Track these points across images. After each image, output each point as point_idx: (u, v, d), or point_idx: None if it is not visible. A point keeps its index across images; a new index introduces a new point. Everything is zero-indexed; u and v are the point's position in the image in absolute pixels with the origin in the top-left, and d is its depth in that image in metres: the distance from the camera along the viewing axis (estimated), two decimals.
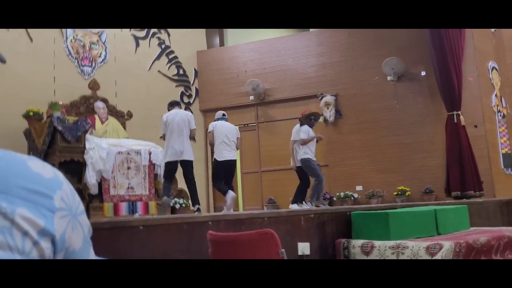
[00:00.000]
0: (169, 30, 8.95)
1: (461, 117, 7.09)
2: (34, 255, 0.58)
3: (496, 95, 7.92)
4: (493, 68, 8.00)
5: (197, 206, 5.29)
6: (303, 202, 6.11)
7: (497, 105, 7.89)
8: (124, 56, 8.27)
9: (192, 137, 5.43)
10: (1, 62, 0.80)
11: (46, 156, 5.94)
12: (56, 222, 0.61)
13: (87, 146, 5.99)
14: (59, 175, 0.65)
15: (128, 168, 6.27)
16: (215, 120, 6.04)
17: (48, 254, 0.59)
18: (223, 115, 6.02)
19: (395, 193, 7.56)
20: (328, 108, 8.21)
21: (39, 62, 7.19)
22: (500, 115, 7.91)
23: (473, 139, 7.14)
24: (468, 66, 7.45)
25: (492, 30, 8.19)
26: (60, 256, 0.62)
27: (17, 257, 0.56)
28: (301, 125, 6.23)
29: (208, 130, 5.83)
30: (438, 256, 2.78)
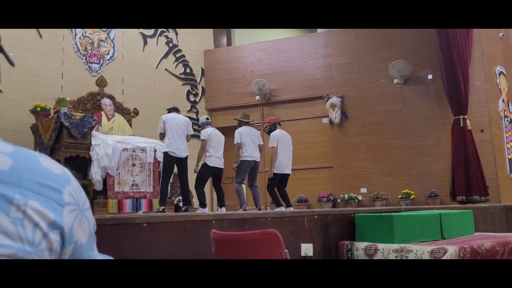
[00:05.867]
0: (177, 29, 8.97)
1: (468, 121, 7.05)
2: (43, 247, 0.59)
3: (503, 100, 7.86)
4: (500, 73, 7.94)
5: (186, 207, 5.53)
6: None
7: (504, 110, 7.83)
8: (132, 54, 8.31)
9: (188, 140, 5.94)
10: (10, 65, 0.83)
11: (52, 151, 5.98)
12: (65, 215, 0.62)
13: (93, 142, 6.02)
14: (67, 172, 0.68)
15: (133, 165, 6.29)
16: (201, 125, 6.45)
17: (56, 247, 0.61)
18: (207, 119, 6.34)
19: (400, 196, 7.53)
20: (334, 109, 8.20)
21: (47, 58, 7.24)
22: (507, 120, 7.85)
23: (479, 144, 7.09)
24: (475, 71, 7.41)
25: (500, 34, 8.14)
26: (69, 249, 0.64)
27: (27, 248, 0.57)
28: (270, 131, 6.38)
29: (202, 138, 6.03)
30: None
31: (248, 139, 6.10)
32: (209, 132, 5.97)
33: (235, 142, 6.09)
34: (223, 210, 5.74)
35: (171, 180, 6.08)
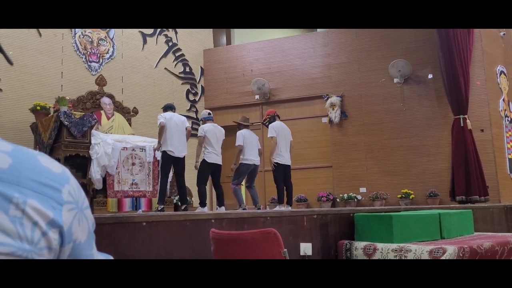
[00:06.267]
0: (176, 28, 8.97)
1: (468, 121, 7.05)
2: (42, 245, 0.59)
3: (503, 99, 7.86)
4: (501, 72, 7.94)
5: (185, 205, 5.53)
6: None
7: (505, 110, 7.84)
8: (131, 52, 8.31)
9: (188, 135, 5.89)
10: (9, 64, 0.83)
11: (52, 150, 5.98)
12: (64, 214, 0.62)
13: (92, 141, 6.02)
14: (67, 171, 0.68)
15: (133, 164, 6.29)
16: (201, 120, 6.35)
17: (55, 245, 0.61)
18: (209, 114, 6.21)
19: (399, 196, 7.53)
20: (333, 109, 8.20)
21: (47, 57, 7.24)
22: (508, 120, 7.85)
23: (479, 144, 7.09)
24: (476, 70, 7.41)
25: (501, 33, 8.14)
26: (68, 248, 0.64)
27: (26, 246, 0.58)
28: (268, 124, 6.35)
29: (199, 134, 5.98)
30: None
31: (250, 143, 6.10)
32: (205, 128, 5.93)
33: (236, 144, 6.08)
34: (222, 209, 5.75)
35: (170, 179, 6.08)
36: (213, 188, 6.32)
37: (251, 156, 6.07)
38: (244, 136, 6.07)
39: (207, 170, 5.86)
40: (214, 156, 5.84)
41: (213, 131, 5.95)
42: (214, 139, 5.89)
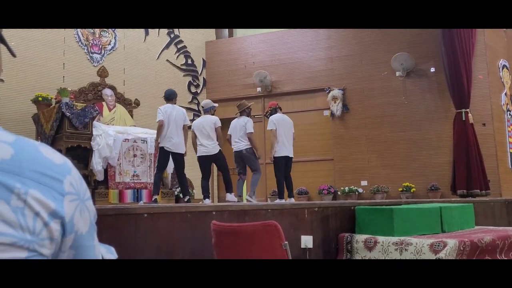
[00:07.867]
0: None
1: (470, 114, 7.03)
2: (44, 236, 0.59)
3: (505, 93, 7.83)
4: (503, 66, 7.91)
5: (187, 197, 5.60)
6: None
7: (507, 104, 7.81)
8: (133, 44, 8.28)
9: (186, 132, 5.73)
10: (12, 55, 0.83)
11: (53, 141, 5.99)
12: (65, 205, 0.63)
13: (94, 132, 6.02)
14: (68, 162, 0.68)
15: (134, 155, 6.30)
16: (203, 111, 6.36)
17: (56, 236, 0.61)
18: (202, 107, 6.28)
19: (400, 189, 7.54)
20: (335, 102, 8.18)
21: (49, 48, 7.22)
22: (509, 114, 7.83)
23: (481, 137, 7.08)
24: (478, 64, 7.37)
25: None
26: (70, 239, 0.64)
27: (28, 236, 0.58)
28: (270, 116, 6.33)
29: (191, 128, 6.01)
30: (441, 254, 2.78)
31: (233, 129, 6.12)
32: (194, 123, 6.00)
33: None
34: (228, 197, 5.78)
35: (170, 171, 6.12)
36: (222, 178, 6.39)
37: (235, 143, 6.10)
38: (230, 125, 6.16)
39: (199, 163, 5.87)
40: (201, 148, 5.80)
41: (198, 123, 5.87)
42: (199, 132, 5.82)
